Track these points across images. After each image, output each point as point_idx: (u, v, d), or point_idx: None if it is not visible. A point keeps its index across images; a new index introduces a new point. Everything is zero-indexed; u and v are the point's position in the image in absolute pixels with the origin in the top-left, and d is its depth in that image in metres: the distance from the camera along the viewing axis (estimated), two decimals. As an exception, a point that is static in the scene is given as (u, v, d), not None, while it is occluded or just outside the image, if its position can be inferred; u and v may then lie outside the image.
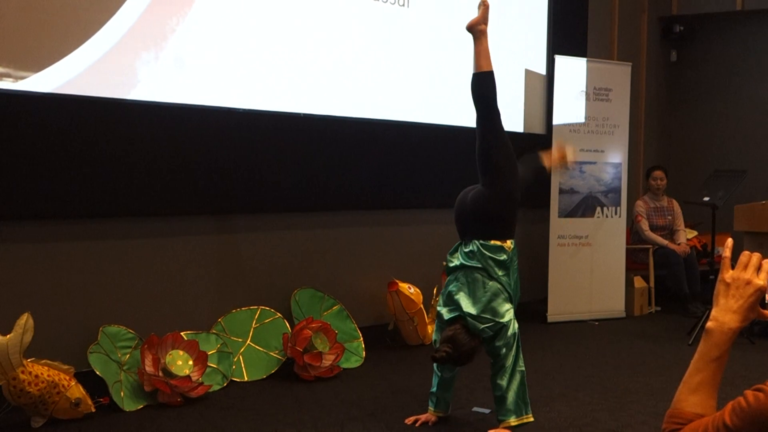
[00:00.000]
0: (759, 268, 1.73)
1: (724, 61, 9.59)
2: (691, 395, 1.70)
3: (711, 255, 6.91)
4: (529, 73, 7.57)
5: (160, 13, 4.92)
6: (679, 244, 7.86)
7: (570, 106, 7.39)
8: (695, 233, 8.38)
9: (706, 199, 6.65)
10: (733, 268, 1.76)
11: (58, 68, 4.47)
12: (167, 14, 4.95)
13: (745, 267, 1.73)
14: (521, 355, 4.13)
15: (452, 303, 4.08)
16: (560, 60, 7.36)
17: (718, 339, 1.70)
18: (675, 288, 7.72)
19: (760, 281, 1.71)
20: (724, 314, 1.71)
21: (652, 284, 7.91)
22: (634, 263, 7.97)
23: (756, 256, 1.74)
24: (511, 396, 4.06)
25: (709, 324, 1.72)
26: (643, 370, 5.62)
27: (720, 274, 1.75)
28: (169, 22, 4.96)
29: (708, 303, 6.57)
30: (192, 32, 5.06)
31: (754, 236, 6.58)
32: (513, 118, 7.42)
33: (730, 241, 1.85)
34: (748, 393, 1.55)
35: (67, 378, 4.24)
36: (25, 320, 4.07)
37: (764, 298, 1.73)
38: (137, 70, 4.83)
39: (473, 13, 4.52)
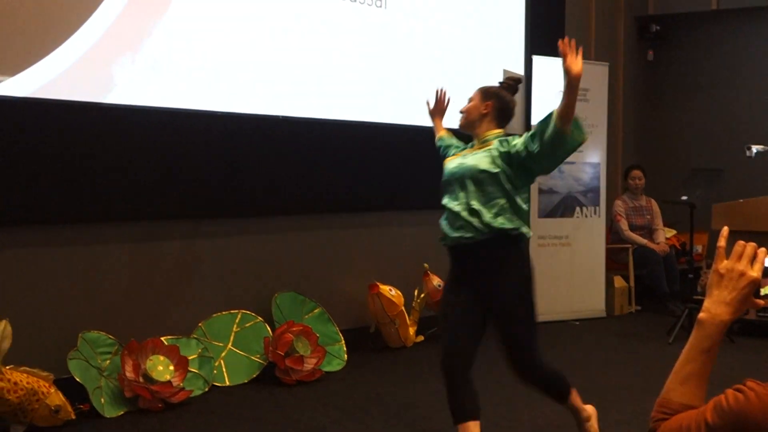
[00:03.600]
0: (754, 259, 1.70)
1: (700, 60, 9.65)
2: (681, 385, 1.69)
3: (690, 254, 6.95)
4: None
5: (136, 15, 4.89)
6: (658, 243, 7.90)
7: (548, 106, 7.38)
8: (674, 232, 8.43)
9: (684, 198, 6.69)
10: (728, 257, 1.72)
11: (34, 72, 4.43)
12: (143, 17, 4.92)
13: (740, 257, 1.70)
14: None
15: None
16: (538, 60, 7.38)
17: (710, 330, 1.68)
18: (655, 287, 7.75)
19: (753, 273, 1.68)
20: (717, 306, 1.69)
21: (632, 284, 7.94)
22: (614, 263, 8.00)
23: (751, 246, 1.71)
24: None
25: (701, 315, 1.70)
26: (624, 370, 5.64)
27: (714, 264, 1.72)
28: (146, 25, 4.93)
29: (687, 301, 6.62)
30: (169, 35, 5.04)
31: (732, 235, 6.60)
32: (492, 119, 7.44)
33: (725, 230, 1.79)
34: (729, 393, 1.55)
35: (47, 385, 4.20)
36: (2, 327, 4.03)
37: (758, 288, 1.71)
38: (113, 74, 4.79)
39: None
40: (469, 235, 3.55)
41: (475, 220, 3.54)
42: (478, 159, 3.62)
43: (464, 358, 3.62)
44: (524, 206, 3.64)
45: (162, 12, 5.00)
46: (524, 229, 3.61)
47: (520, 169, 3.57)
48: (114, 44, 4.77)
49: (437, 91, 4.45)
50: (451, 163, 3.77)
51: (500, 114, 3.82)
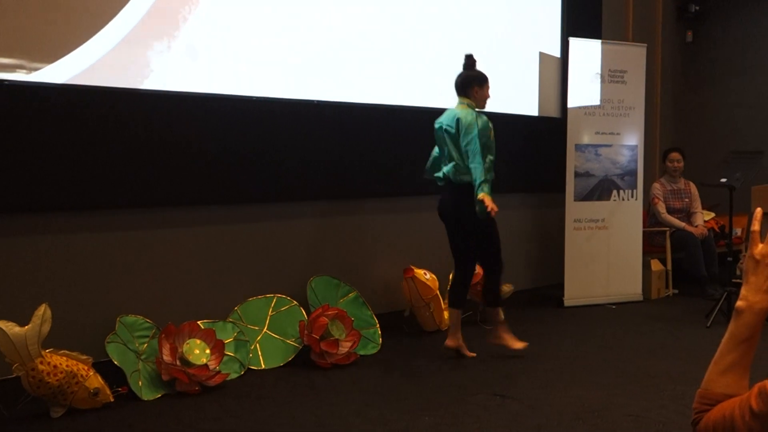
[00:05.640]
0: None
1: (739, 40, 9.49)
2: (721, 376, 1.63)
3: (729, 237, 6.85)
4: (543, 57, 7.52)
5: (172, 2, 4.91)
6: (696, 227, 7.81)
7: (585, 88, 7.34)
8: (712, 215, 8.32)
9: (723, 180, 6.59)
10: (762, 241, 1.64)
11: (72, 59, 4.48)
12: (179, 3, 4.95)
13: None
14: None
15: None
16: (574, 42, 7.30)
17: (748, 319, 1.62)
18: (692, 270, 7.67)
19: None
20: (755, 293, 1.61)
21: (669, 267, 7.86)
22: (651, 246, 7.92)
23: None
24: None
25: (738, 303, 1.63)
26: (661, 354, 5.59)
27: (749, 250, 1.64)
28: (181, 11, 4.96)
29: (726, 285, 6.54)
30: (204, 21, 5.06)
31: (771, 217, 6.51)
32: (528, 101, 7.40)
33: (759, 212, 1.71)
34: None
35: (86, 368, 4.26)
36: (42, 311, 4.09)
37: None
38: (150, 60, 4.82)
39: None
40: None
41: None
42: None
43: None
44: None
45: (197, -3, 5.02)
46: None
47: None
48: (150, 31, 4.80)
49: None
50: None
51: None
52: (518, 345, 5.49)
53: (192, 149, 5.04)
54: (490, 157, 5.26)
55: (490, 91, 5.43)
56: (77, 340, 4.45)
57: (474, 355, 5.46)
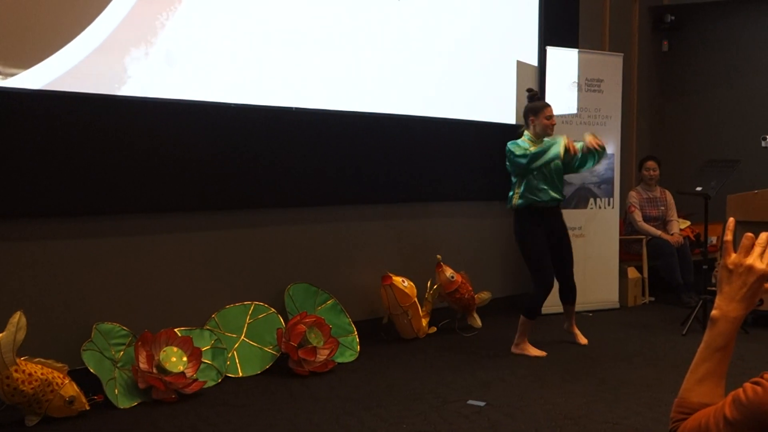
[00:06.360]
0: (764, 251, 1.64)
1: (715, 50, 9.59)
2: (698, 385, 1.65)
3: (704, 245, 6.90)
4: (521, 65, 7.56)
5: (150, 8, 4.90)
6: (672, 235, 7.87)
7: (562, 97, 7.38)
8: (688, 223, 8.39)
9: (699, 189, 6.64)
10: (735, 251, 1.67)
11: (48, 65, 4.45)
12: (157, 9, 4.93)
13: (748, 251, 1.64)
14: None
15: None
16: (552, 51, 7.35)
17: (723, 328, 1.65)
18: (668, 278, 7.73)
19: (761, 266, 1.63)
20: (728, 303, 1.64)
21: (645, 275, 7.92)
22: (628, 254, 7.97)
23: (764, 235, 1.64)
24: None
25: (713, 313, 1.66)
26: (637, 361, 5.62)
27: (722, 259, 1.67)
28: (159, 17, 4.94)
29: (701, 293, 6.59)
30: (182, 27, 5.04)
31: (746, 225, 6.56)
32: (505, 110, 7.42)
33: (731, 222, 1.73)
34: (747, 386, 1.52)
35: (61, 376, 4.22)
36: (17, 318, 4.05)
37: None
38: (127, 66, 4.80)
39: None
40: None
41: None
42: None
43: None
44: None
45: (176, 4, 5.00)
46: None
47: None
48: (128, 37, 4.78)
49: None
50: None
51: None
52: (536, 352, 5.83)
53: (169, 156, 5.02)
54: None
55: (548, 116, 5.72)
56: (53, 348, 4.41)
57: (545, 354, 5.78)
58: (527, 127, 5.78)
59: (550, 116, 5.75)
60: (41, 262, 4.54)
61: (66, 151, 4.54)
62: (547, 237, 5.78)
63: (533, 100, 5.87)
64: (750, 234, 1.66)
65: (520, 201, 5.69)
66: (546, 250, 5.76)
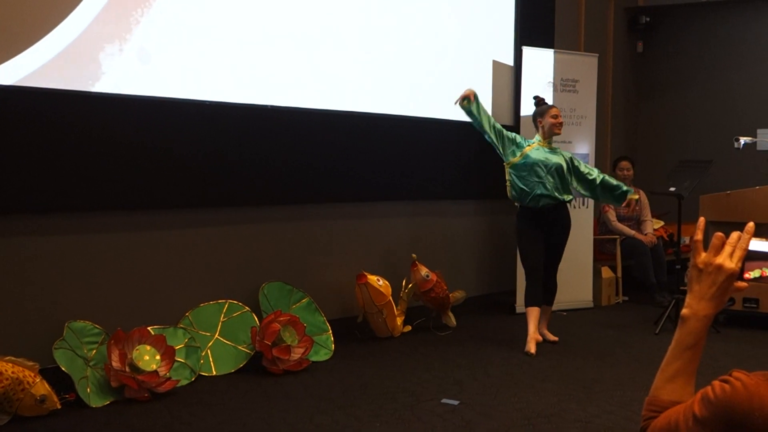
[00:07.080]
0: (734, 251, 1.65)
1: (689, 51, 9.67)
2: (668, 383, 1.67)
3: (677, 245, 6.96)
4: (496, 65, 7.57)
5: (124, 4, 4.86)
6: (645, 235, 7.92)
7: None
8: (661, 223, 8.45)
9: (672, 189, 6.69)
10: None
11: (21, 60, 4.40)
12: (131, 5, 4.89)
13: (718, 250, 1.66)
14: None
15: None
16: (527, 51, 7.37)
17: (693, 326, 1.66)
18: (642, 278, 7.78)
19: (731, 265, 1.64)
20: (698, 301, 1.66)
21: (619, 274, 7.97)
22: (602, 254, 8.02)
23: (734, 234, 1.66)
24: None
25: (683, 311, 1.67)
26: (610, 360, 5.66)
27: (692, 259, 1.68)
28: (134, 14, 4.91)
29: (674, 293, 6.64)
30: (157, 24, 5.01)
31: (718, 226, 6.62)
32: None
33: (701, 221, 1.74)
34: (716, 384, 1.54)
35: (32, 374, 4.18)
36: (-12, 316, 4.01)
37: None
38: (101, 63, 4.77)
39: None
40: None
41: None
42: (559, 159, 5.98)
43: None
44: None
45: (150, 0, 4.97)
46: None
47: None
48: (102, 33, 4.74)
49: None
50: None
51: None
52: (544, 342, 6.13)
53: (142, 153, 4.98)
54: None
55: (554, 115, 5.99)
56: (23, 346, 4.37)
57: (557, 339, 6.18)
58: (537, 131, 6.05)
59: (556, 115, 6.01)
60: (11, 259, 4.49)
61: (37, 148, 4.50)
62: (542, 232, 6.02)
63: (540, 105, 6.14)
64: (720, 233, 1.67)
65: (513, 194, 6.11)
66: (532, 239, 6.01)
